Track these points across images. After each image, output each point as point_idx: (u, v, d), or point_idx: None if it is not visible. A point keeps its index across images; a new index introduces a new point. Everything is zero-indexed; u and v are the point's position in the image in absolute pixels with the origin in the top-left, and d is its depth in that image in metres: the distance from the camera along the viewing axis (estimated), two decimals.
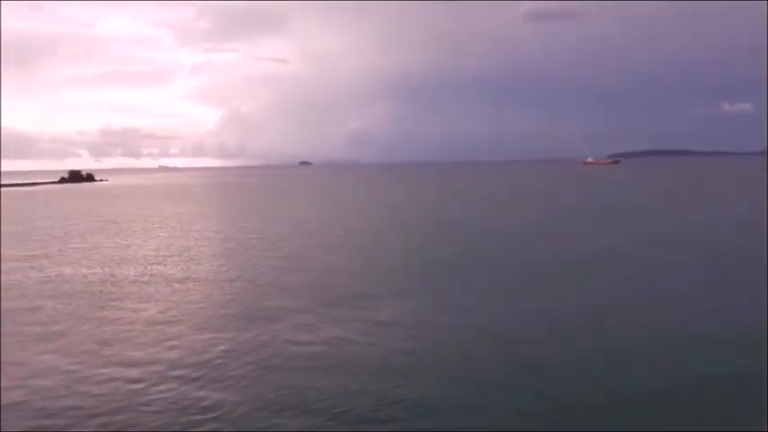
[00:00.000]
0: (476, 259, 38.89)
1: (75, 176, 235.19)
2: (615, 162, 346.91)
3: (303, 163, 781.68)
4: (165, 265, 38.63)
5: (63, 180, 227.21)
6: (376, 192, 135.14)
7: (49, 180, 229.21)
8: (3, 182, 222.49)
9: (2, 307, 28.17)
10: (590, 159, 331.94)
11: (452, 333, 22.74)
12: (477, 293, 29.05)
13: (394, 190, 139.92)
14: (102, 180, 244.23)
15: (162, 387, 17.72)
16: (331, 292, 29.67)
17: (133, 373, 18.95)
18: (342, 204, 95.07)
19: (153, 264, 39.31)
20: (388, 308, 26.46)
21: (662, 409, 15.73)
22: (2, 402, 16.83)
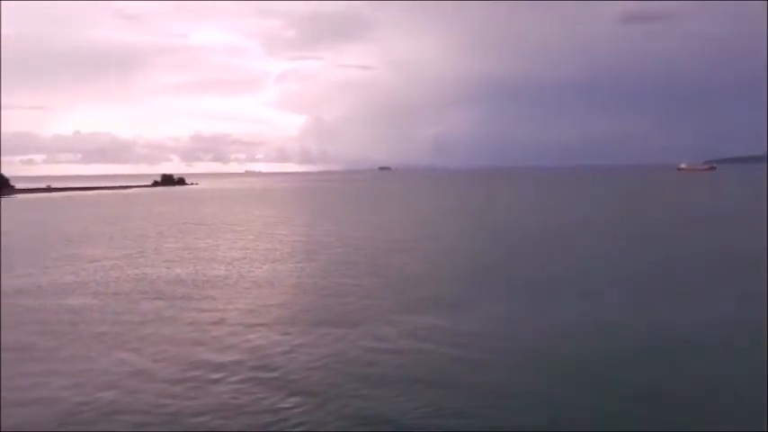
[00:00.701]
0: (573, 267, 37.69)
1: (168, 180, 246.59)
2: (711, 168, 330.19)
3: (383, 168, 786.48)
4: (251, 266, 39.66)
5: (156, 183, 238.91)
6: (456, 197, 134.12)
7: (143, 183, 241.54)
8: (102, 184, 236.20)
9: (102, 303, 29.76)
10: (684, 165, 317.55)
11: (530, 343, 21.97)
12: (566, 304, 28.13)
13: (475, 195, 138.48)
14: (192, 183, 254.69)
15: (239, 387, 18.05)
16: (411, 298, 29.51)
17: (214, 373, 19.38)
18: (421, 209, 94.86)
19: (240, 264, 40.46)
20: (467, 315, 25.98)
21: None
22: (84, 399, 17.65)
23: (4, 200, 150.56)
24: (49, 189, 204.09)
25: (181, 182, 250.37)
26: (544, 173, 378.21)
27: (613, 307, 27.08)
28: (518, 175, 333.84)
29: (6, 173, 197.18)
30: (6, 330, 24.76)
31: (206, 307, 28.44)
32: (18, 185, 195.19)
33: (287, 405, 16.58)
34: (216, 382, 18.47)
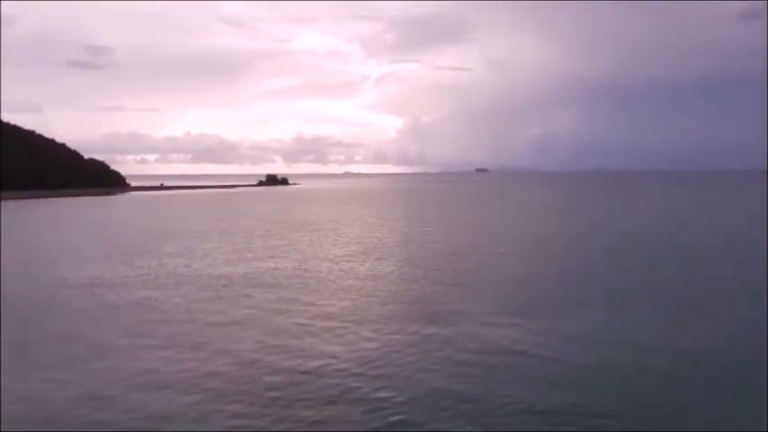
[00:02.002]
0: (681, 277, 35.52)
1: (272, 180, 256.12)
2: None
3: (480, 170, 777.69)
4: (353, 264, 40.05)
5: (261, 183, 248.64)
6: (556, 199, 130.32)
7: (248, 183, 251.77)
8: (210, 183, 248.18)
9: (214, 295, 30.96)
10: None
11: (630, 352, 20.54)
12: (669, 313, 26.39)
13: (578, 198, 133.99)
14: (294, 184, 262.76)
15: (335, 381, 17.96)
16: (510, 299, 28.66)
17: (311, 364, 19.50)
18: (519, 211, 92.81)
19: (342, 261, 40.99)
20: (568, 319, 24.77)
21: None
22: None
23: (122, 196, 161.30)
24: (161, 187, 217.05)
25: (284, 182, 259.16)
26: (658, 177, 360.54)
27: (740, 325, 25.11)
28: (628, 179, 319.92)
29: (122, 171, 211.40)
30: (125, 319, 26.21)
31: (311, 301, 28.83)
32: (133, 183, 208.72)
33: (383, 403, 16.40)
34: (318, 375, 18.56)
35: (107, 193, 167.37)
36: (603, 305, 27.41)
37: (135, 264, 40.70)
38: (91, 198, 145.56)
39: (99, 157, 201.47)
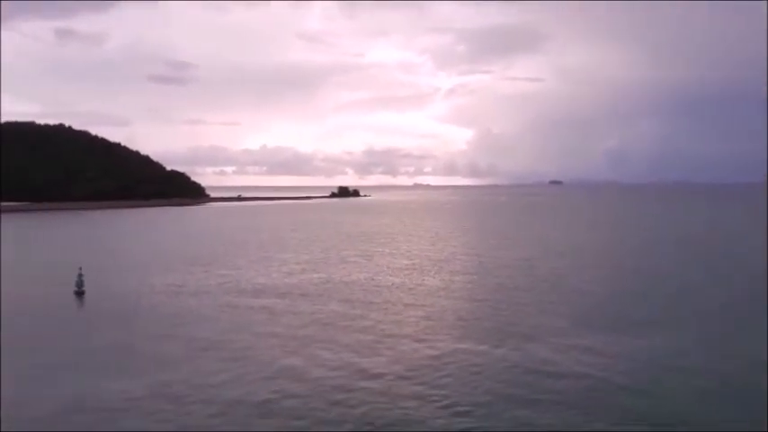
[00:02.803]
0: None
1: (343, 192, 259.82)
2: None
3: (553, 182, 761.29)
4: (425, 276, 40.32)
5: (333, 195, 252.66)
6: (634, 213, 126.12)
7: (322, 194, 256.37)
8: (285, 195, 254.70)
9: (290, 304, 31.92)
10: None
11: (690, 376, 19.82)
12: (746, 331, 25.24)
13: (654, 212, 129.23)
14: (365, 195, 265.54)
15: (402, 391, 18.30)
16: (584, 316, 28.16)
17: (380, 375, 19.84)
18: (594, 225, 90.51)
19: (415, 273, 41.34)
20: (643, 339, 24.13)
21: None
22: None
23: (202, 207, 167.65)
24: (239, 198, 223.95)
25: (355, 194, 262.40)
26: (747, 189, 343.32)
27: None
28: (715, 192, 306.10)
29: (202, 182, 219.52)
30: (204, 325, 27.43)
31: (383, 314, 29.29)
32: (212, 194, 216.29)
33: (453, 414, 16.58)
34: (390, 384, 18.93)
35: (188, 204, 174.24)
36: (684, 326, 26.60)
37: (216, 272, 42.39)
38: (173, 208, 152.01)
39: (181, 169, 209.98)
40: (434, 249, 56.45)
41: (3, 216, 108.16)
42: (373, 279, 39.16)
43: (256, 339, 24.65)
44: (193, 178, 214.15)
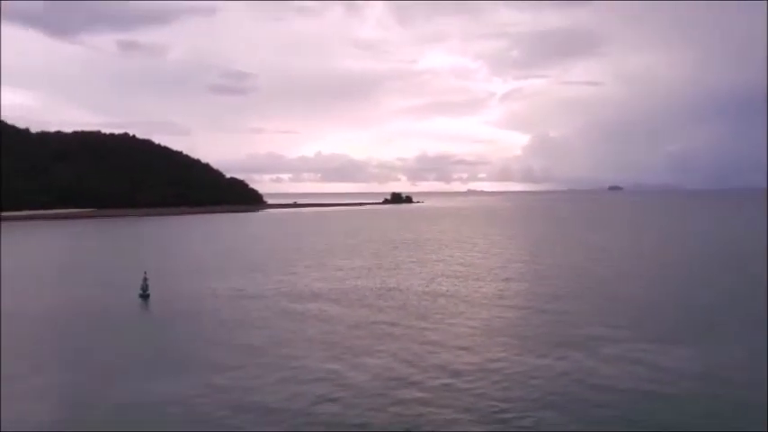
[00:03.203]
0: None
1: (396, 198, 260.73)
2: None
3: (612, 188, 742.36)
4: (481, 282, 40.17)
5: (386, 201, 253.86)
6: (695, 220, 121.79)
7: (375, 201, 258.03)
8: (339, 201, 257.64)
9: (344, 310, 32.36)
10: None
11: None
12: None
13: (718, 219, 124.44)
14: (418, 202, 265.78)
15: (451, 398, 18.33)
16: (646, 324, 27.58)
17: (436, 381, 19.93)
18: (659, 231, 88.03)
19: (470, 280, 41.24)
20: (696, 350, 23.39)
21: None
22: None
23: (260, 213, 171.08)
24: (294, 205, 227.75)
25: (408, 200, 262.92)
26: None
27: None
28: None
29: (259, 189, 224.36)
30: (262, 329, 28.09)
31: (438, 320, 29.35)
32: (269, 201, 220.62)
33: (497, 421, 16.53)
34: (437, 392, 18.98)
35: (246, 210, 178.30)
36: (742, 339, 25.73)
37: (273, 277, 43.35)
38: (232, 215, 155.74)
39: (239, 177, 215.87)
40: (488, 256, 56.12)
41: (71, 222, 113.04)
42: (427, 286, 39.27)
43: (309, 344, 25.09)
44: (251, 185, 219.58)
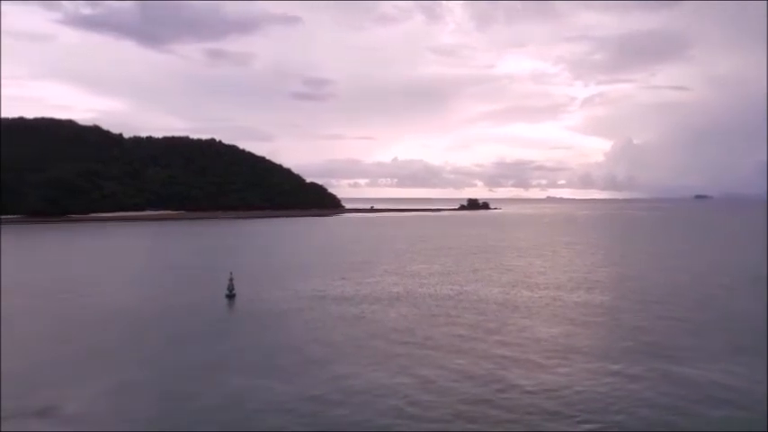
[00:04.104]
0: None
1: (473, 204, 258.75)
2: None
3: (699, 197, 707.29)
4: (561, 291, 39.46)
5: (462, 207, 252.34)
6: None
7: (451, 207, 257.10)
8: (415, 206, 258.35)
9: (422, 314, 32.62)
10: None
11: None
12: None
13: None
14: (495, 208, 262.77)
15: (534, 406, 18.18)
16: (736, 340, 26.39)
17: (516, 394, 19.82)
18: (744, 242, 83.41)
19: (550, 288, 40.60)
20: None
21: None
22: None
23: (338, 217, 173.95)
24: (371, 210, 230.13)
25: (485, 206, 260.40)
26: None
27: None
28: None
29: (337, 194, 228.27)
30: (343, 331, 28.72)
31: (518, 328, 29.14)
32: (347, 206, 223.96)
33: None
34: (519, 400, 18.92)
35: (325, 214, 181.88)
36: None
37: (353, 280, 44.17)
38: (312, 218, 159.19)
39: (318, 181, 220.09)
40: (569, 266, 54.97)
41: (161, 223, 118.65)
42: (507, 293, 38.98)
43: (389, 346, 25.53)
44: (329, 190, 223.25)
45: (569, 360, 23.44)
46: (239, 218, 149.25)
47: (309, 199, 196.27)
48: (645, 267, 52.56)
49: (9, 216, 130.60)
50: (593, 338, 27.07)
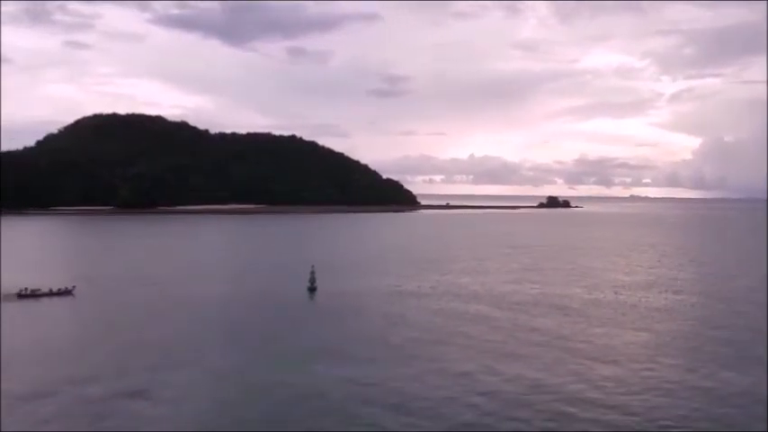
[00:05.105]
0: None
1: (553, 202, 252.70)
2: None
3: None
4: (646, 294, 38.11)
5: (542, 205, 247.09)
6: None
7: (529, 204, 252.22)
8: (493, 204, 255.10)
9: (499, 314, 32.28)
10: None
11: None
12: None
13: None
14: (576, 207, 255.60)
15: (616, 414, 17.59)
16: None
17: (598, 395, 19.41)
18: None
19: (638, 290, 39.26)
20: None
21: None
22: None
23: (414, 213, 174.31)
24: (447, 206, 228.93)
25: (566, 204, 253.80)
26: None
27: None
28: None
29: (412, 190, 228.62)
30: (420, 326, 28.86)
31: (602, 333, 28.33)
32: (423, 202, 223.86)
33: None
34: (595, 404, 18.51)
35: (401, 210, 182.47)
36: None
37: (431, 276, 44.21)
38: (388, 214, 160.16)
39: (393, 177, 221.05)
40: (657, 266, 52.99)
41: (245, 216, 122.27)
42: (590, 294, 38.03)
43: (466, 346, 25.46)
44: (405, 186, 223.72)
45: (657, 363, 22.73)
46: (319, 212, 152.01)
47: (386, 195, 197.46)
48: (737, 271, 49.91)
49: (101, 207, 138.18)
50: (682, 345, 26.11)
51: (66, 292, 35.79)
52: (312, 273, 38.50)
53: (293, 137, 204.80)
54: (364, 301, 34.94)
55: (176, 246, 69.93)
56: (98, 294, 36.10)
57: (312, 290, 37.73)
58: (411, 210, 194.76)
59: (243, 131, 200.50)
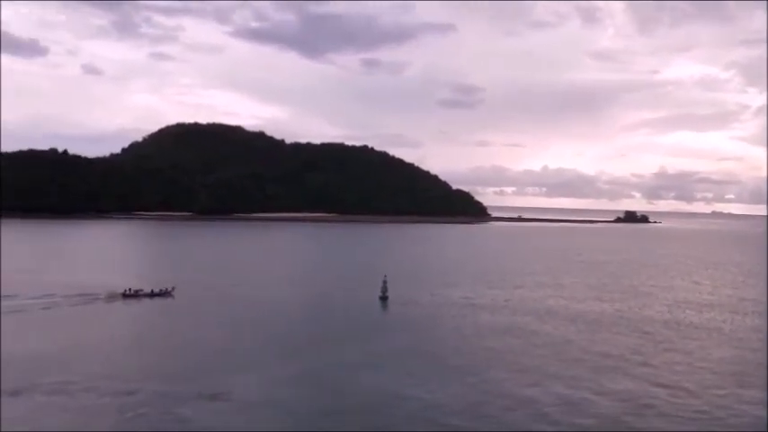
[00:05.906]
0: None
1: (631, 217, 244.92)
2: None
3: None
4: (731, 315, 36.58)
5: (619, 219, 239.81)
6: None
7: (605, 219, 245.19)
8: (565, 217, 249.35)
9: (584, 330, 31.52)
10: None
11: None
12: None
13: None
14: (655, 222, 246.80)
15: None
16: None
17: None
18: None
19: (717, 311, 37.67)
20: None
21: None
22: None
23: (484, 225, 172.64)
24: (519, 219, 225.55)
25: (644, 219, 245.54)
26: None
27: None
28: None
29: (483, 201, 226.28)
30: (493, 341, 28.56)
31: (686, 351, 27.44)
32: (493, 214, 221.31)
33: None
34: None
35: (472, 222, 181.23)
36: None
37: (504, 289, 43.72)
38: (458, 225, 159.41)
39: (464, 188, 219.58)
40: (740, 286, 50.54)
41: (318, 225, 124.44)
42: (670, 313, 36.71)
43: (542, 361, 25.08)
44: (475, 197, 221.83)
45: (741, 387, 21.74)
46: (390, 222, 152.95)
47: (456, 206, 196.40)
48: None
49: (181, 213, 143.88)
50: (737, 365, 24.97)
51: (166, 293, 37.70)
52: (384, 282, 38.79)
53: (365, 147, 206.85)
54: (436, 312, 34.94)
55: (253, 252, 71.96)
56: (196, 294, 37.80)
57: (384, 299, 38.00)
58: (482, 221, 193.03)
59: (317, 141, 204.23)
